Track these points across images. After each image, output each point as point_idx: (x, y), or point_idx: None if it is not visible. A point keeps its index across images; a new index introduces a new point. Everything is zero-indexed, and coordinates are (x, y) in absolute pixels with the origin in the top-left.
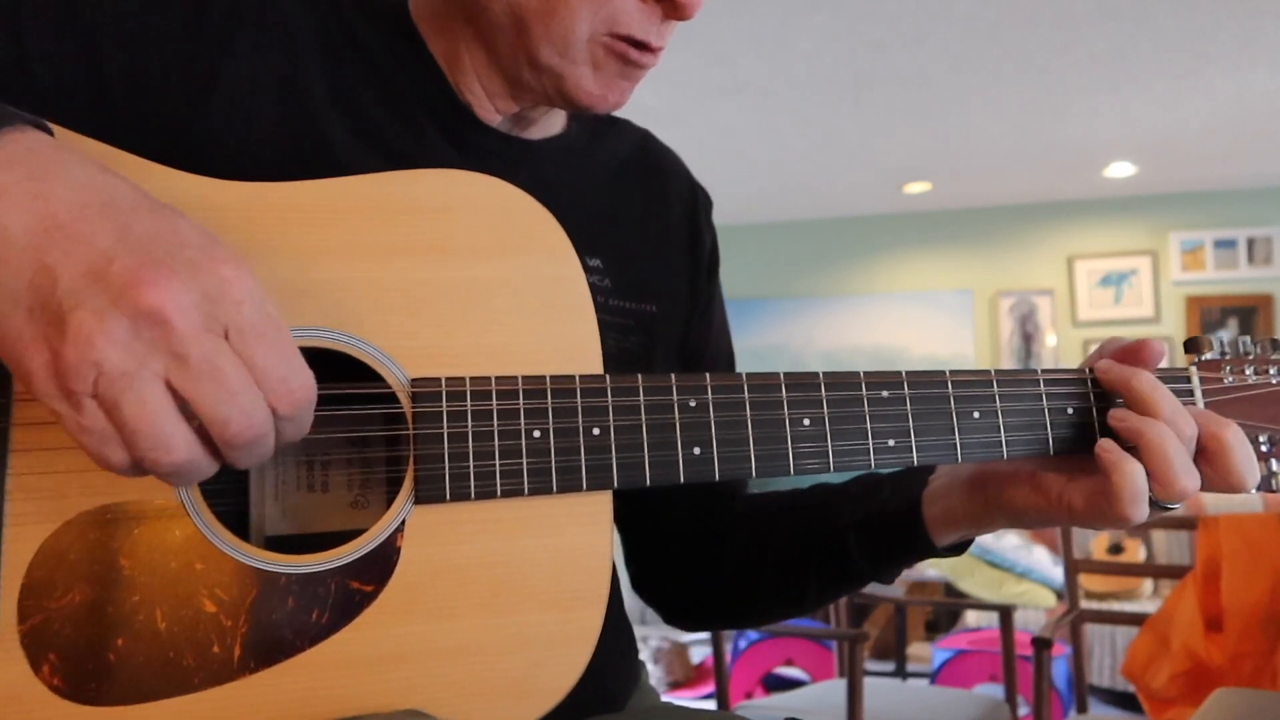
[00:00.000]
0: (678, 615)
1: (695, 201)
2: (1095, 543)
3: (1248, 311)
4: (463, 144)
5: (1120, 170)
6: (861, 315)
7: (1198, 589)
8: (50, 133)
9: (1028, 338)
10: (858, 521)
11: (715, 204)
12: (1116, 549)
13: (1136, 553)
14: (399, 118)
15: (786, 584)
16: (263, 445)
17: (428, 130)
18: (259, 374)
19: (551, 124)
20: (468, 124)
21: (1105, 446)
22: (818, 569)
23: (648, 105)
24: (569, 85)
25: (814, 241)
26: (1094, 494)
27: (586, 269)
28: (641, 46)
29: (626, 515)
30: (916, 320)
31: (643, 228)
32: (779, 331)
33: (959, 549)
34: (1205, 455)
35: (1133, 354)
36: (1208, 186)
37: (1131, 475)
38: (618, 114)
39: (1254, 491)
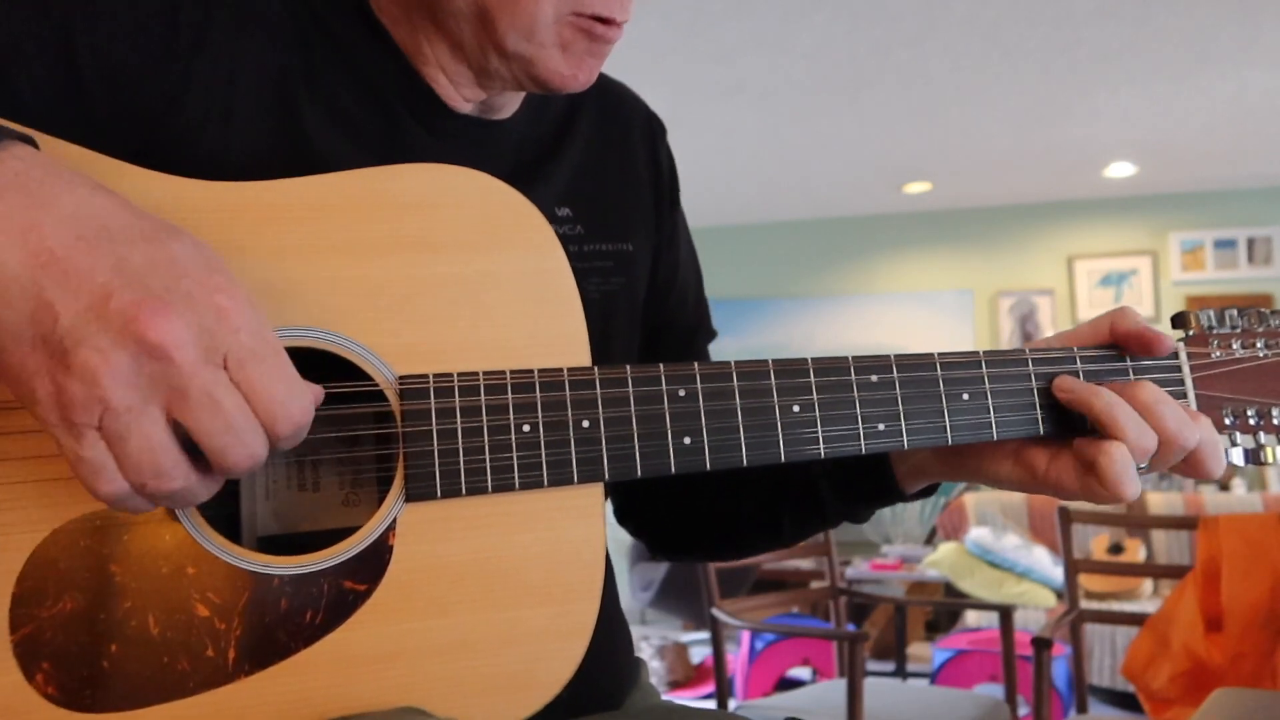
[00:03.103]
0: (662, 546)
1: (652, 131)
2: (1095, 543)
3: None
4: (433, 129)
5: (1120, 170)
6: (861, 315)
7: (1198, 589)
8: (36, 145)
9: (1028, 338)
10: (829, 470)
11: (716, 204)
12: (1116, 549)
13: (1136, 553)
14: (374, 108)
15: (763, 520)
16: (256, 464)
17: (402, 119)
18: (258, 399)
19: (515, 102)
20: (438, 111)
21: (1082, 443)
22: (792, 508)
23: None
24: (539, 69)
25: (814, 241)
26: (1083, 474)
27: (555, 220)
28: (606, 21)
29: None
30: (916, 320)
31: (606, 166)
32: (779, 331)
33: (929, 492)
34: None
35: (1142, 342)
36: (1208, 186)
37: (1119, 457)
38: None
39: (1242, 464)
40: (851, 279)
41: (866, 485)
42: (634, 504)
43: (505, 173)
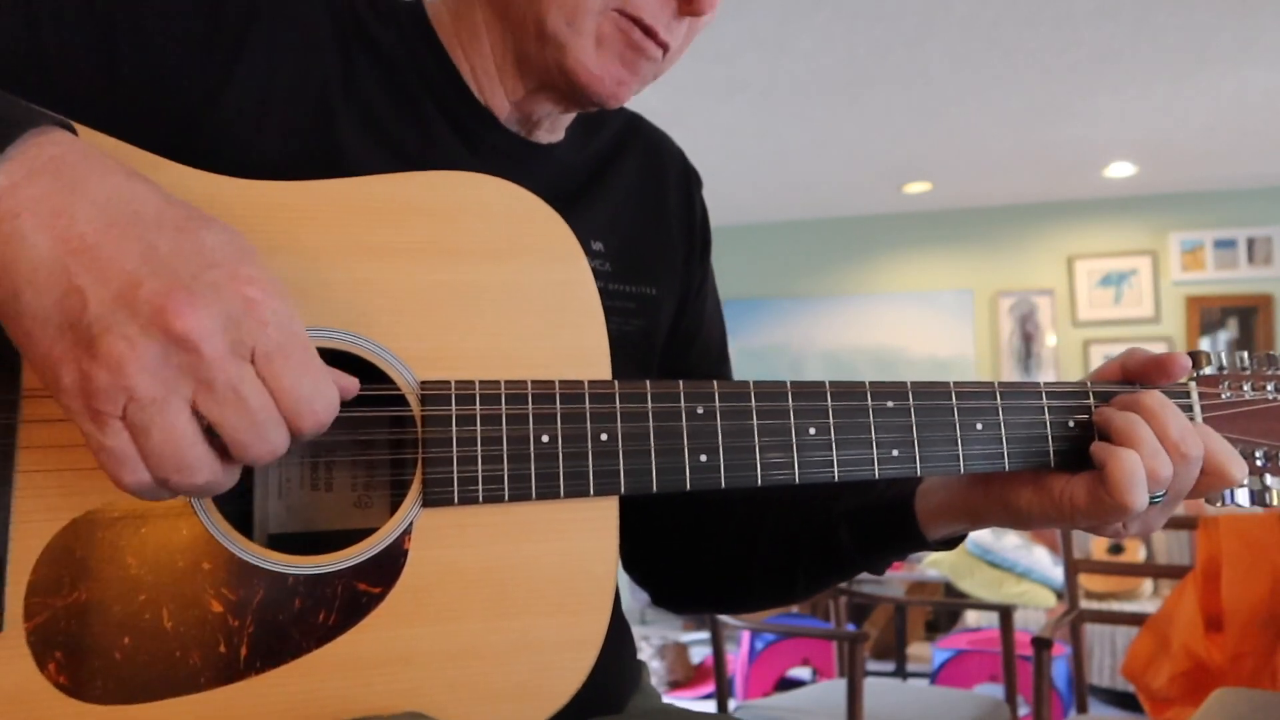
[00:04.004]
0: (667, 597)
1: (689, 182)
2: (1095, 543)
3: (1248, 311)
4: (473, 142)
5: (1120, 170)
6: (861, 315)
7: (1198, 589)
8: (74, 132)
9: (1028, 338)
10: (850, 511)
11: (715, 204)
12: (1116, 549)
13: (1136, 553)
14: (410, 117)
15: (777, 569)
16: (276, 458)
17: (439, 129)
18: (284, 395)
19: (555, 132)
20: (478, 119)
21: (1097, 445)
22: (808, 556)
23: (648, 105)
24: (570, 58)
25: (814, 241)
26: (1095, 487)
27: (589, 253)
28: (648, 32)
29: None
30: (916, 320)
31: (641, 210)
32: (779, 331)
33: (951, 544)
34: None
35: (1160, 367)
36: (1208, 186)
37: (1127, 462)
38: None
39: (1248, 505)
40: (851, 279)
41: (888, 529)
42: (642, 551)
43: (542, 197)
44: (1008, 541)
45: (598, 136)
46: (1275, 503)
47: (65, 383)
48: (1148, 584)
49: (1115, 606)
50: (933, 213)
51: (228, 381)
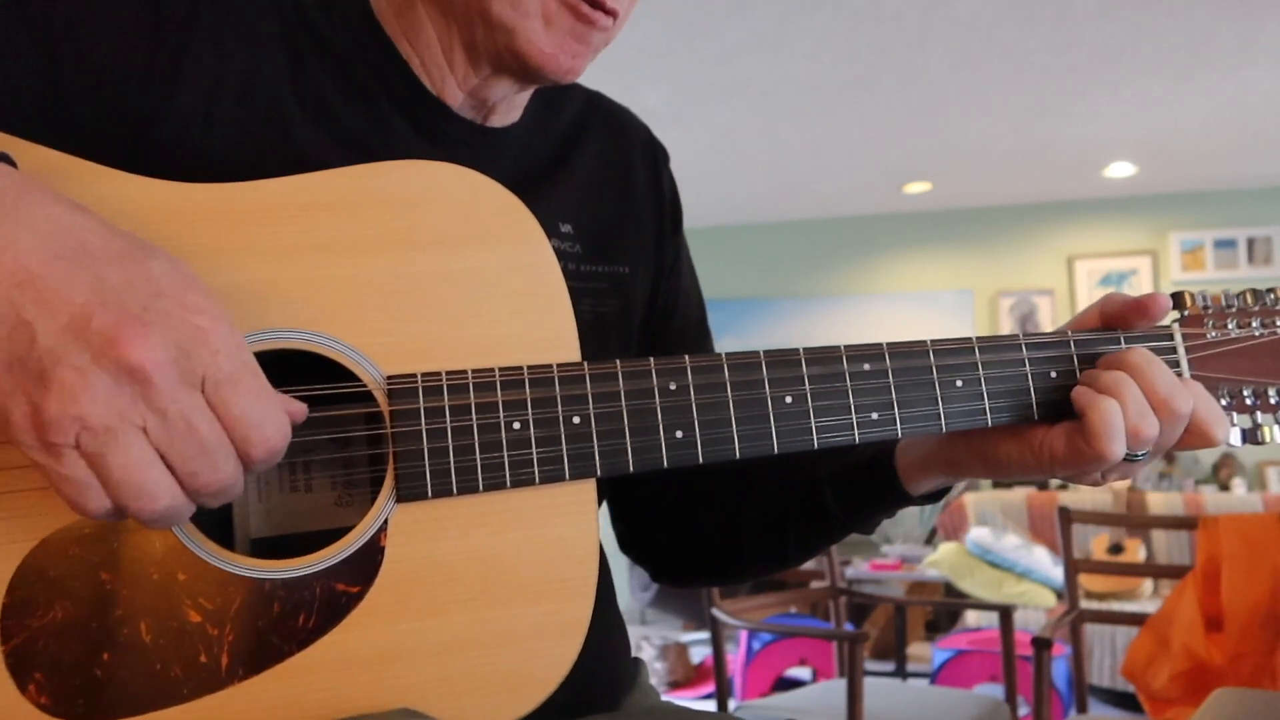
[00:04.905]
0: (665, 573)
1: (655, 157)
2: (1095, 543)
3: None
4: (429, 132)
5: (1120, 170)
6: (861, 315)
7: (1198, 589)
8: (13, 163)
9: None
10: (832, 475)
11: (715, 204)
12: (1116, 549)
13: (1136, 553)
14: (364, 111)
15: (768, 538)
16: (231, 492)
17: (394, 121)
18: (234, 422)
19: (511, 113)
20: (433, 110)
21: (1079, 390)
22: (796, 522)
23: (648, 105)
24: (519, 41)
25: (814, 241)
26: (1073, 436)
27: (557, 236)
28: (595, 4)
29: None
30: (916, 320)
31: (608, 188)
32: (779, 331)
33: (935, 496)
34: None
35: (1140, 310)
36: (1208, 186)
37: (1107, 411)
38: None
39: (1239, 444)
40: (851, 279)
41: (871, 488)
42: (635, 531)
43: (506, 182)
44: (1008, 541)
45: (558, 117)
46: (1267, 439)
47: (15, 418)
48: (1148, 584)
49: (1115, 606)
50: (933, 213)
51: (179, 411)
